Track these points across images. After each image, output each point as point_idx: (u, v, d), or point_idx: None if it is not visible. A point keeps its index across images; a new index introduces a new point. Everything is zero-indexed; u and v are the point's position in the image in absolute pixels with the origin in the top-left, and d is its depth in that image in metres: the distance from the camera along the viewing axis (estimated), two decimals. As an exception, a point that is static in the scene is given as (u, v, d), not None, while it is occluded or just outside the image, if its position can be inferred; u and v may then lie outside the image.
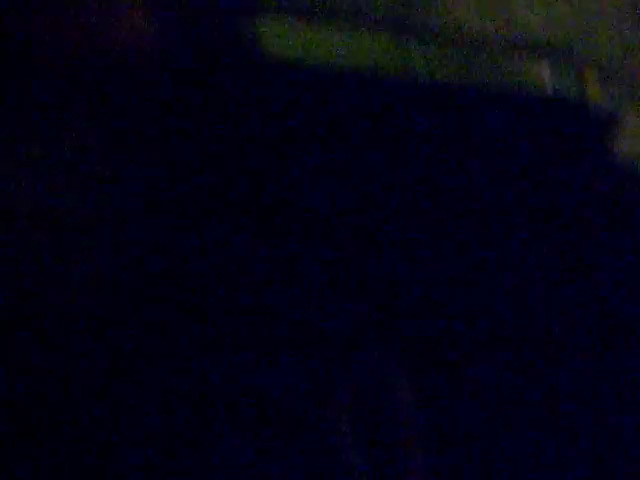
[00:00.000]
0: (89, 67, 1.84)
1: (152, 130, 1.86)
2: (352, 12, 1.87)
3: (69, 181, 1.81)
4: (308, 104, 1.91)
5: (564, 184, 1.96)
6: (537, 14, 1.87)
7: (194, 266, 1.85)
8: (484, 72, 1.89)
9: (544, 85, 1.91)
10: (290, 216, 1.89)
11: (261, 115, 1.89)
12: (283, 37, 1.86)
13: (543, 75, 1.91)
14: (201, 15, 1.88)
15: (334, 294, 1.90)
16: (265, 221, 1.88)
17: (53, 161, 1.80)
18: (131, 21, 1.83)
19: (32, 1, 1.75)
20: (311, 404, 1.83)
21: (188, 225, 1.86)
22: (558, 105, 1.93)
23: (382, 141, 1.93)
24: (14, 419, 1.60)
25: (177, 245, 1.86)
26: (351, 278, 1.92)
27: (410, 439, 1.86)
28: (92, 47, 1.80)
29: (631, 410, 1.96)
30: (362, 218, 1.93)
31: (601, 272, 1.97)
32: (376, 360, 1.89)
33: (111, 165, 1.84)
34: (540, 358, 1.94)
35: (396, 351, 1.89)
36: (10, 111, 1.74)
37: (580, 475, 1.94)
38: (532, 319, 1.96)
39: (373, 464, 1.84)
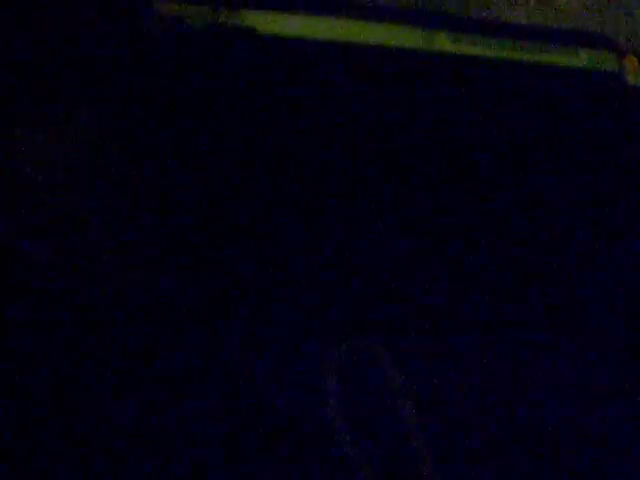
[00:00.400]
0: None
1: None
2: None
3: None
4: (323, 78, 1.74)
5: (596, 171, 1.89)
6: (577, 0, 1.86)
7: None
8: (518, 54, 1.82)
9: (582, 71, 1.87)
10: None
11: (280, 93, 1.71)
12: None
13: (582, 62, 1.87)
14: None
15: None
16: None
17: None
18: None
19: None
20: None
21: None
22: (596, 90, 1.88)
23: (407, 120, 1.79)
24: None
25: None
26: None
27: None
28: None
29: None
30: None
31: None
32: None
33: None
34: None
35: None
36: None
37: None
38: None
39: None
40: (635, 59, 1.90)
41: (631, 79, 1.90)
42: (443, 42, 1.79)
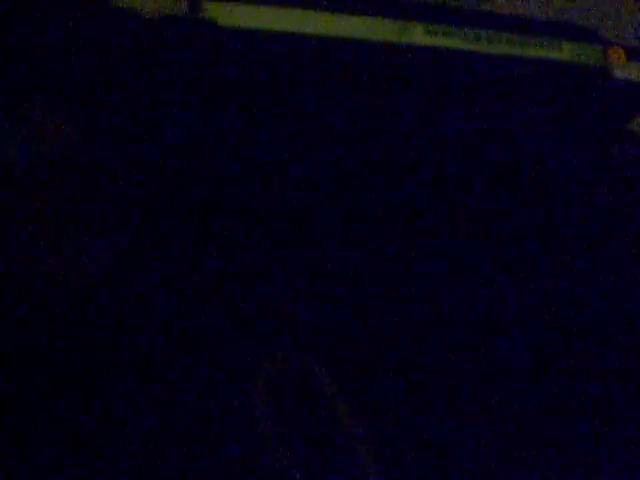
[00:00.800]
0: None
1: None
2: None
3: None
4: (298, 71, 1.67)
5: (583, 164, 1.82)
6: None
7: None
8: (500, 47, 1.74)
9: (567, 64, 1.79)
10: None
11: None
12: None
13: (565, 54, 1.79)
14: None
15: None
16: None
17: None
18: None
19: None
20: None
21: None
22: (579, 82, 1.80)
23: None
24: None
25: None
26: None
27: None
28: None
29: None
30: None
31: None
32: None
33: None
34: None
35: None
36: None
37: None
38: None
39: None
40: (620, 51, 1.82)
41: (616, 71, 1.82)
42: (417, 34, 1.71)
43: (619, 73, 1.81)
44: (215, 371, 1.51)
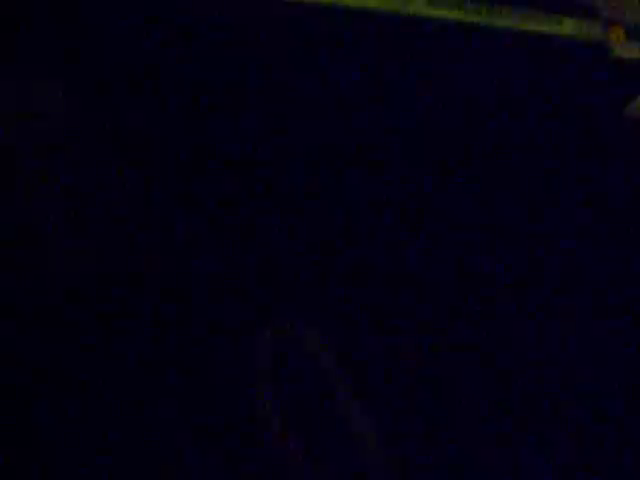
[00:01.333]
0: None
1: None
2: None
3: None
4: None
5: (575, 142, 1.82)
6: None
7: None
8: (496, 20, 1.73)
9: (566, 40, 1.79)
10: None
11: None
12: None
13: (565, 30, 1.79)
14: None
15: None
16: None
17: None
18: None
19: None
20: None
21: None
22: (579, 59, 1.80)
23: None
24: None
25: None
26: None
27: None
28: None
29: None
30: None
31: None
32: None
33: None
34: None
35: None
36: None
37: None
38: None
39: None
40: (620, 29, 1.82)
41: (616, 50, 1.82)
42: (418, 5, 1.71)
43: (618, 52, 1.81)
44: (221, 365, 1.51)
